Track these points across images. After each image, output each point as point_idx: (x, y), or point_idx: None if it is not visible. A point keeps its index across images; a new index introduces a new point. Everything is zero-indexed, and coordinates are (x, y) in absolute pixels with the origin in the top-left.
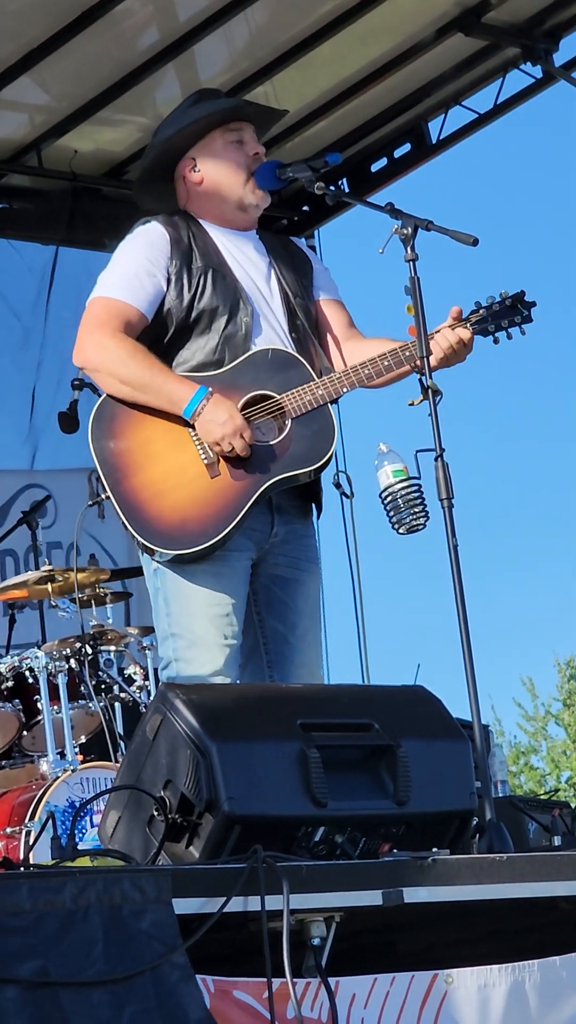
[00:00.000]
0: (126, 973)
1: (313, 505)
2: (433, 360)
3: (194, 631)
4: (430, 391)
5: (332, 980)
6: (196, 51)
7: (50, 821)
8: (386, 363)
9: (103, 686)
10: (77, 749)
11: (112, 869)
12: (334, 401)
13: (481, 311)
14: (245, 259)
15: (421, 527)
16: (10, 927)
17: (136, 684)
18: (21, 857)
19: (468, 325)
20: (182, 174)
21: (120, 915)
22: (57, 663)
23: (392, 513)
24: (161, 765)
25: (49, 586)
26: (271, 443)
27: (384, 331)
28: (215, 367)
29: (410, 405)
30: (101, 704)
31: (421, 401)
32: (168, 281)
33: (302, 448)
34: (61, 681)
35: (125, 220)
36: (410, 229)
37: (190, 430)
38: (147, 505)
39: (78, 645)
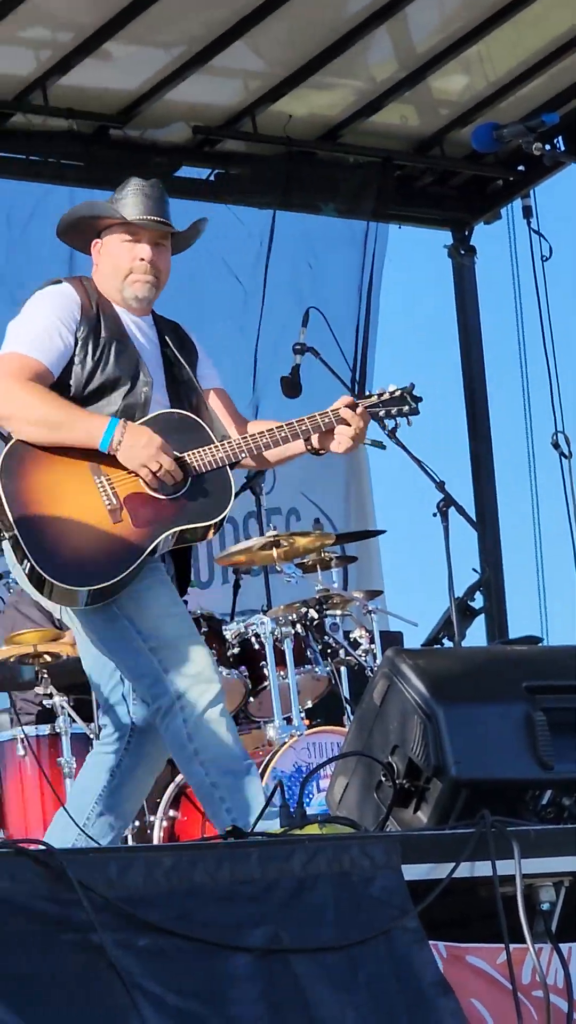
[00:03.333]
0: (359, 938)
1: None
2: (338, 444)
3: (165, 634)
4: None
5: (563, 946)
6: (408, 13)
7: (278, 789)
8: (283, 434)
9: (329, 650)
10: (303, 714)
11: (341, 836)
12: (232, 465)
13: (373, 397)
14: (143, 335)
15: None
16: (241, 895)
17: (362, 648)
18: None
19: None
20: (94, 248)
21: (350, 881)
22: (283, 628)
23: None
24: (389, 731)
25: (274, 551)
26: (171, 496)
27: None
28: None
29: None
30: (327, 668)
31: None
32: (75, 344)
33: (200, 504)
34: (288, 646)
35: (340, 183)
36: None
37: (95, 477)
38: (52, 544)
39: (304, 610)
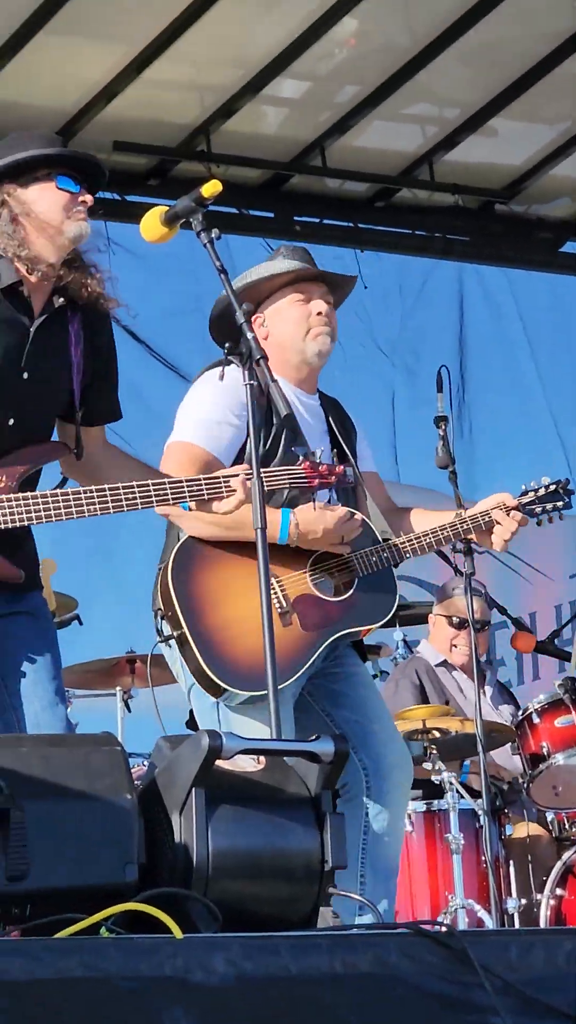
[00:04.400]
0: None
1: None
2: (493, 545)
3: None
4: None
5: None
6: None
7: None
8: (446, 534)
9: None
10: None
11: None
12: (396, 565)
13: (529, 494)
14: (311, 416)
15: None
16: None
17: None
18: None
19: (521, 510)
20: (253, 327)
21: None
22: None
23: None
24: None
25: None
26: (339, 599)
27: None
28: None
29: None
30: None
31: None
32: (247, 434)
33: (367, 606)
34: None
35: None
36: None
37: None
38: (221, 647)
39: None
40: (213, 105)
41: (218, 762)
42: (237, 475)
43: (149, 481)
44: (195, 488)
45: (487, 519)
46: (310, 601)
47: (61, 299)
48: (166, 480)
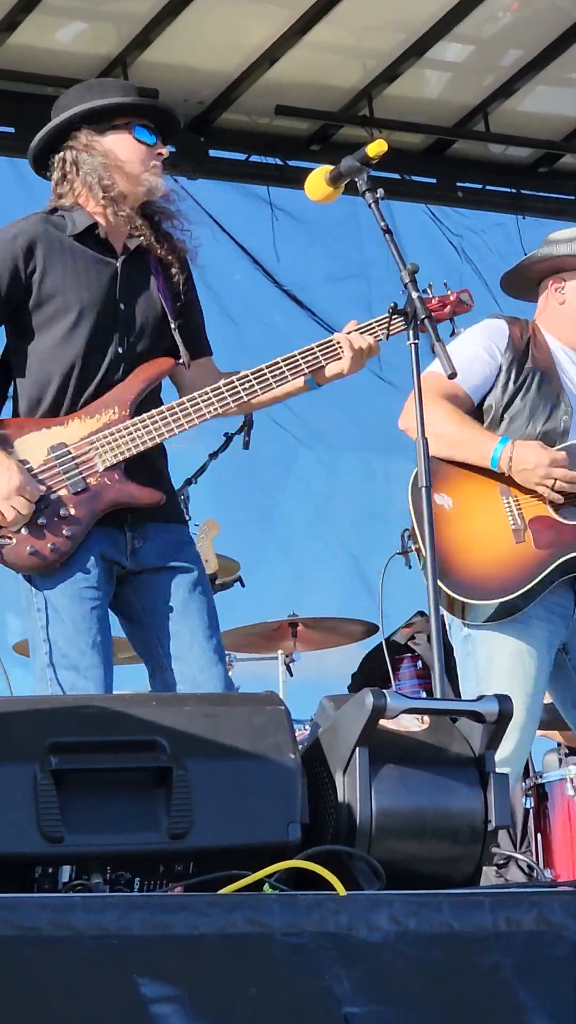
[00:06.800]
0: None
1: None
2: None
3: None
4: None
5: None
6: None
7: None
8: None
9: None
10: None
11: None
12: None
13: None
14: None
15: None
16: None
17: None
18: None
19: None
20: (547, 287)
21: None
22: None
23: None
24: None
25: None
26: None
27: None
28: None
29: None
30: None
31: None
32: (498, 371)
33: None
34: None
35: None
36: None
37: (503, 497)
38: (452, 558)
39: None
40: (375, 69)
41: (382, 721)
42: (338, 335)
43: (262, 366)
44: (310, 357)
45: None
46: (546, 522)
47: (139, 240)
48: (279, 359)
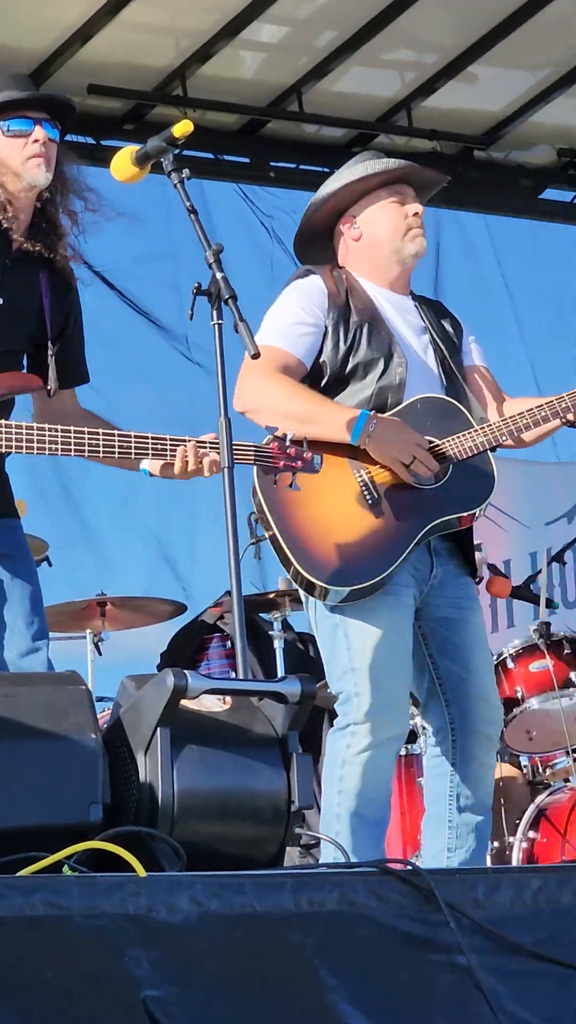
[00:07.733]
0: None
1: (467, 563)
2: None
3: (374, 664)
4: None
5: None
6: None
7: None
8: (543, 414)
9: None
10: None
11: None
12: (493, 449)
13: None
14: (399, 315)
15: None
16: None
17: None
18: None
19: None
20: (341, 231)
21: None
22: None
23: None
24: None
25: None
26: (432, 487)
27: None
28: None
29: None
30: None
31: None
32: (324, 333)
33: (462, 492)
34: None
35: None
36: None
37: (354, 471)
38: (312, 542)
39: None
40: (189, 49)
41: (184, 702)
42: (188, 441)
43: (114, 431)
44: (142, 445)
45: None
46: (402, 491)
47: (37, 247)
48: (132, 434)
